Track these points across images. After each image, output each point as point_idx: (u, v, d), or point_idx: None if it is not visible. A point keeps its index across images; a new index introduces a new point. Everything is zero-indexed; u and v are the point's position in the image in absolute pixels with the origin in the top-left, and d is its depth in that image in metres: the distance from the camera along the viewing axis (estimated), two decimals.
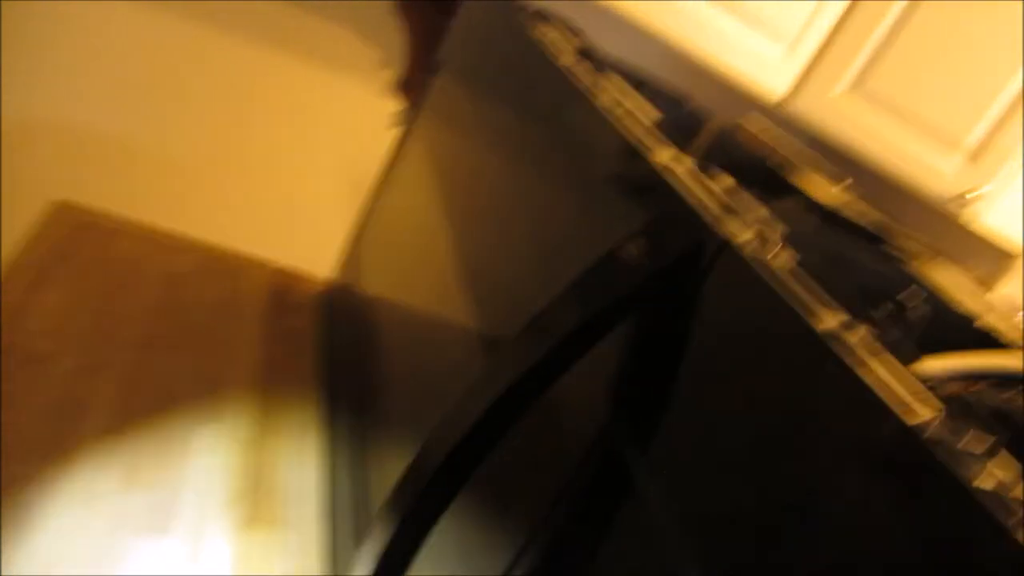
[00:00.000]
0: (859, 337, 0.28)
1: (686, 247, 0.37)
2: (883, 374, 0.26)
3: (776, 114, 1.31)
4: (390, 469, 0.65)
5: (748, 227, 0.37)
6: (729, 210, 0.38)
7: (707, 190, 0.41)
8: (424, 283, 0.78)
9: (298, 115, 1.44)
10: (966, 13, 1.23)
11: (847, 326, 0.28)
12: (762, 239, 0.36)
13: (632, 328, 0.39)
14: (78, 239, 0.96)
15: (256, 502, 0.72)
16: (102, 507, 0.65)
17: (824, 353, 0.27)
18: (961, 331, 0.48)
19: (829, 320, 0.29)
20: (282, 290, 1.03)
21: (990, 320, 0.48)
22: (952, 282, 0.66)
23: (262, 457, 0.77)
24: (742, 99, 1.32)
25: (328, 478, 0.77)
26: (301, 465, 0.78)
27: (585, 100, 0.59)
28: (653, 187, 0.46)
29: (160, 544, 0.64)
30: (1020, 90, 1.28)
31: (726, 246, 0.35)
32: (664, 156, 0.46)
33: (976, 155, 1.30)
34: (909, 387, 0.26)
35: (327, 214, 1.17)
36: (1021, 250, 1.36)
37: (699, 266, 0.36)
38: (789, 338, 0.29)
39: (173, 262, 0.99)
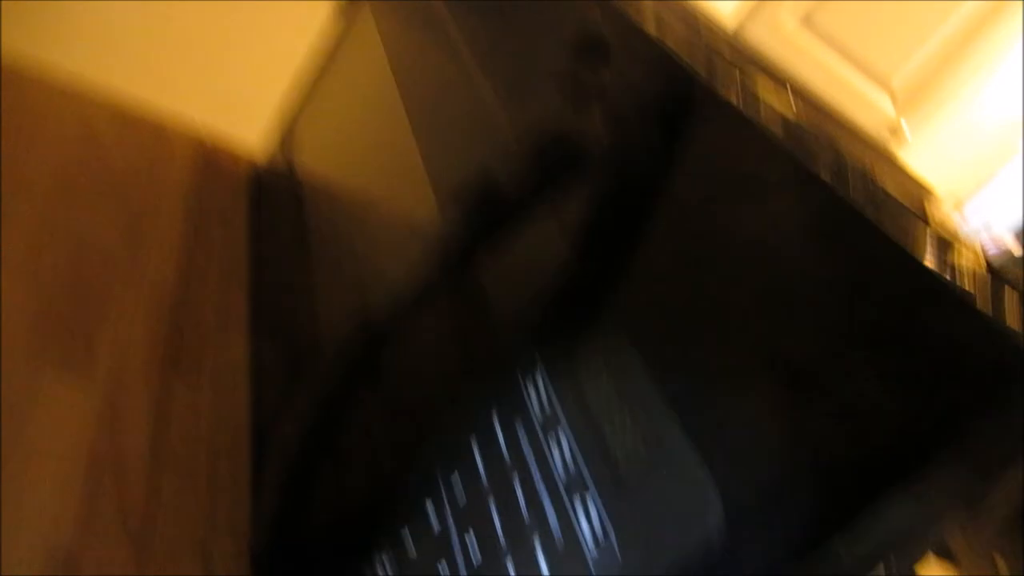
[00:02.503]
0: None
1: (668, 93, 0.37)
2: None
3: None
4: (320, 328, 0.64)
5: (734, 75, 0.37)
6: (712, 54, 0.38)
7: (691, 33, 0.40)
8: (369, 163, 0.76)
9: None
10: None
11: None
12: (750, 86, 0.35)
13: (610, 177, 0.38)
14: None
15: (180, 353, 0.70)
16: (15, 339, 0.61)
17: (832, 196, 0.27)
18: None
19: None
20: (210, 162, 0.98)
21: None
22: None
23: (186, 314, 0.74)
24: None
25: (254, 336, 0.76)
26: (227, 326, 0.76)
27: None
28: (629, 34, 0.44)
29: (77, 383, 0.61)
30: (948, 37, 1.33)
31: (712, 92, 0.34)
32: None
33: (903, 96, 1.35)
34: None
35: (259, 83, 1.11)
36: (936, 189, 1.42)
37: (684, 112, 0.35)
38: (792, 185, 0.29)
39: (90, 118, 0.92)
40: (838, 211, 0.26)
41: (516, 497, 0.36)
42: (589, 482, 0.32)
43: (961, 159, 1.48)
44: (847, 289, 0.25)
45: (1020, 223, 1.32)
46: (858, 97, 1.33)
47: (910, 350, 0.23)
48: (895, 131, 1.35)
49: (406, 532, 0.43)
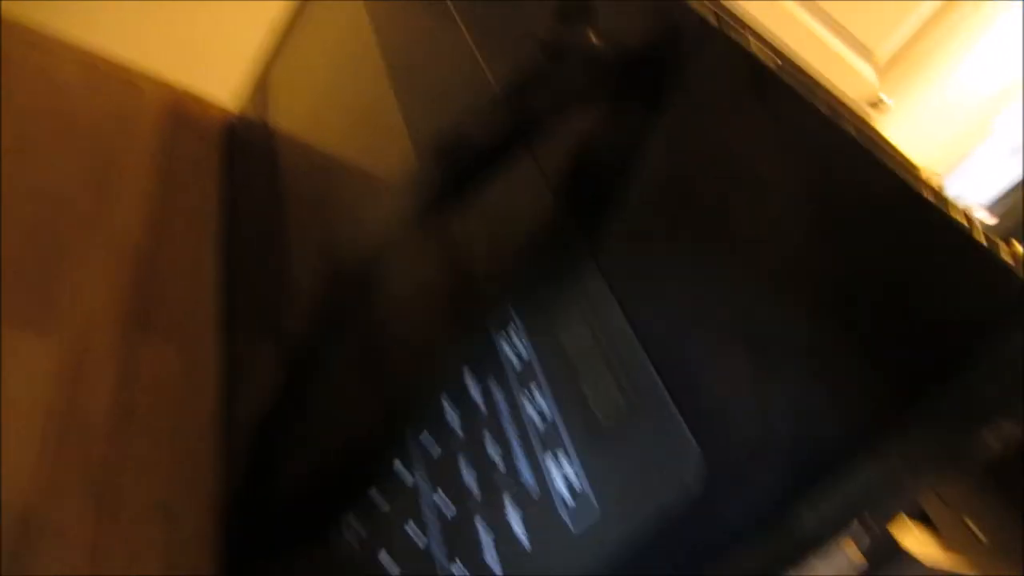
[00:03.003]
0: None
1: (659, 28, 0.35)
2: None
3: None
4: (293, 284, 0.63)
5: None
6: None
7: None
8: (346, 114, 0.74)
9: None
10: None
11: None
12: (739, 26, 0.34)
13: (594, 122, 0.37)
14: None
15: (147, 310, 0.68)
16: None
17: (835, 130, 0.26)
18: None
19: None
20: (181, 113, 0.95)
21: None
22: None
23: (154, 270, 0.72)
24: None
25: (226, 294, 0.74)
26: (197, 282, 0.74)
27: None
28: None
29: (39, 340, 0.59)
30: (933, 10, 1.32)
31: (703, 29, 0.33)
32: None
33: (886, 67, 1.34)
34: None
35: (232, 33, 1.08)
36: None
37: (676, 49, 0.34)
38: (789, 120, 0.28)
39: (54, 67, 0.89)
40: (837, 145, 0.25)
41: (489, 455, 0.35)
42: (565, 437, 0.31)
43: (939, 135, 1.49)
44: (840, 231, 0.25)
45: (995, 199, 1.33)
46: (841, 68, 1.32)
47: (901, 289, 0.22)
48: (876, 104, 1.35)
49: (375, 492, 0.43)
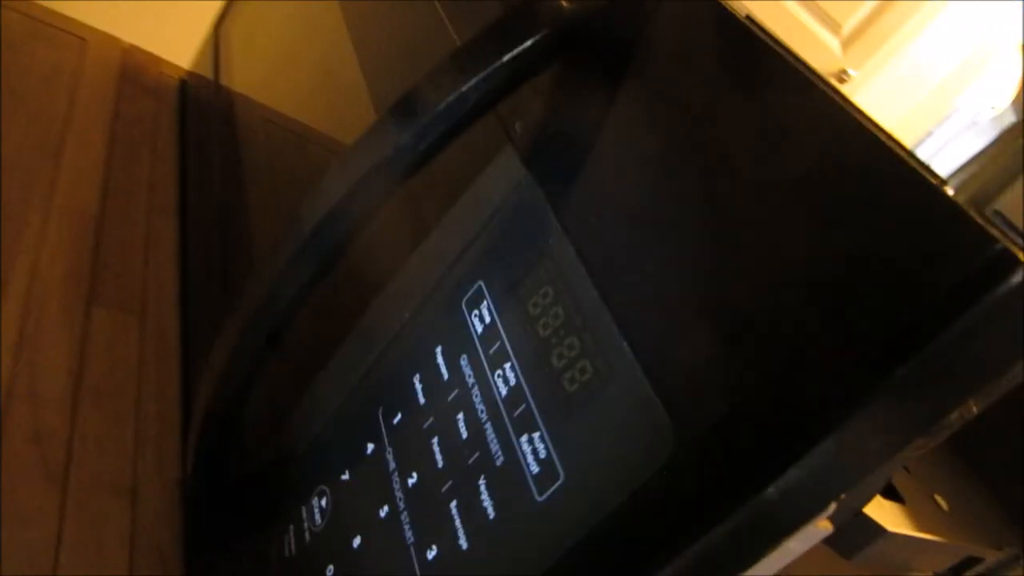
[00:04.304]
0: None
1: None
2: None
3: None
4: (254, 253, 0.61)
5: None
6: None
7: None
8: (305, 77, 0.71)
9: None
10: None
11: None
12: None
13: (563, 85, 0.36)
14: None
15: (103, 282, 0.65)
16: None
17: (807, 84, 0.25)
18: None
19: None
20: (133, 70, 0.92)
21: None
22: None
23: (110, 238, 0.70)
24: None
25: (184, 260, 0.72)
26: (155, 251, 0.72)
27: None
28: None
29: None
30: None
31: None
32: None
33: (851, 40, 1.35)
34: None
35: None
36: None
37: (645, 8, 0.33)
38: (763, 74, 0.27)
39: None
40: (807, 103, 0.24)
41: (461, 436, 0.34)
42: (533, 405, 0.31)
43: (899, 110, 1.50)
44: (813, 198, 0.24)
45: (951, 172, 1.35)
46: (807, 39, 1.32)
47: (873, 256, 0.22)
48: (841, 80, 1.35)
49: (345, 475, 0.42)
